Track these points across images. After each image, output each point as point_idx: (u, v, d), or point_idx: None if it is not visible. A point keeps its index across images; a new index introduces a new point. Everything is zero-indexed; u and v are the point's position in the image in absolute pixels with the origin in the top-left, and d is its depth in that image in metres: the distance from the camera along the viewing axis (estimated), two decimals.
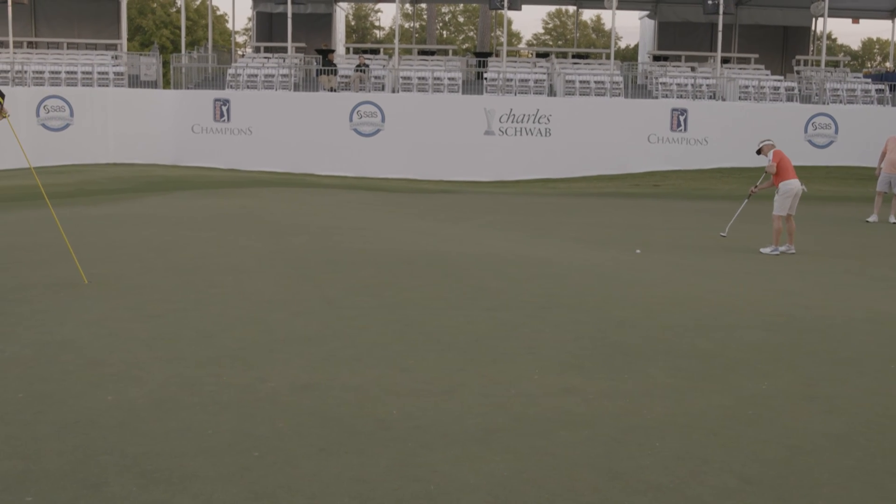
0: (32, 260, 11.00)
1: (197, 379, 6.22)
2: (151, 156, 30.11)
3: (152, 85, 32.23)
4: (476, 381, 6.28)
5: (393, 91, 31.18)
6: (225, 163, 29.89)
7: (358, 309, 8.55)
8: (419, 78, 31.32)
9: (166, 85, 34.85)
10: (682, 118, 30.45)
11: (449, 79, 31.47)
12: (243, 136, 30.13)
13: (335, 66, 31.85)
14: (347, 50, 40.19)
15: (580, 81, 31.77)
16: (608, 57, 35.13)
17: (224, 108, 30.16)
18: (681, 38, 39.20)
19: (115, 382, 6.11)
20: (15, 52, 32.73)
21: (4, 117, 9.27)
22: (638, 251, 12.19)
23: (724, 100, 31.70)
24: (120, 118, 30.12)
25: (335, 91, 31.07)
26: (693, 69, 33.97)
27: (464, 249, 12.61)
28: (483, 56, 35.71)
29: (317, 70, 32.15)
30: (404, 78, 31.29)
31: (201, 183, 23.06)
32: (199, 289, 9.38)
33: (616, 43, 37.90)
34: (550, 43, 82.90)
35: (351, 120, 29.87)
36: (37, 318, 7.97)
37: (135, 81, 32.08)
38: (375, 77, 31.66)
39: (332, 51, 34.09)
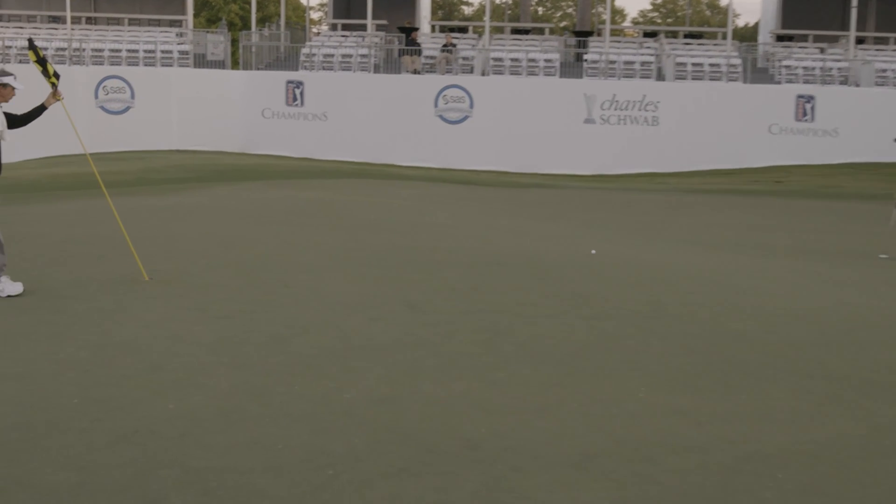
0: (89, 254, 11.27)
1: (266, 388, 6.28)
2: (218, 142, 30.64)
3: (220, 65, 32.80)
4: (574, 399, 6.23)
5: (482, 74, 31.20)
6: (297, 151, 30.28)
7: (443, 314, 8.56)
8: (512, 59, 31.29)
9: (235, 65, 35.44)
10: (808, 106, 29.86)
11: (545, 61, 31.38)
12: (318, 122, 30.48)
13: (419, 45, 32.00)
14: (433, 28, 40.37)
15: (692, 64, 31.38)
16: (724, 37, 34.63)
17: (297, 92, 30.54)
18: (808, 14, 38.43)
19: (178, 389, 6.22)
20: (73, 29, 33.62)
21: (59, 100, 9.53)
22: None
23: (857, 85, 30.99)
24: (185, 101, 30.71)
25: (419, 73, 31.22)
26: (822, 50, 33.29)
27: (560, 250, 12.54)
28: (583, 35, 35.52)
29: (399, 50, 32.35)
30: (495, 59, 31.29)
31: (272, 173, 23.39)
32: (269, 289, 9.50)
33: (733, 21, 37.32)
34: (659, 21, 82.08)
35: (436, 105, 29.99)
36: (94, 318, 8.16)
37: (201, 61, 32.68)
38: (463, 58, 31.72)
39: (416, 29, 34.27)
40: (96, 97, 30.26)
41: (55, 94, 9.55)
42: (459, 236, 13.55)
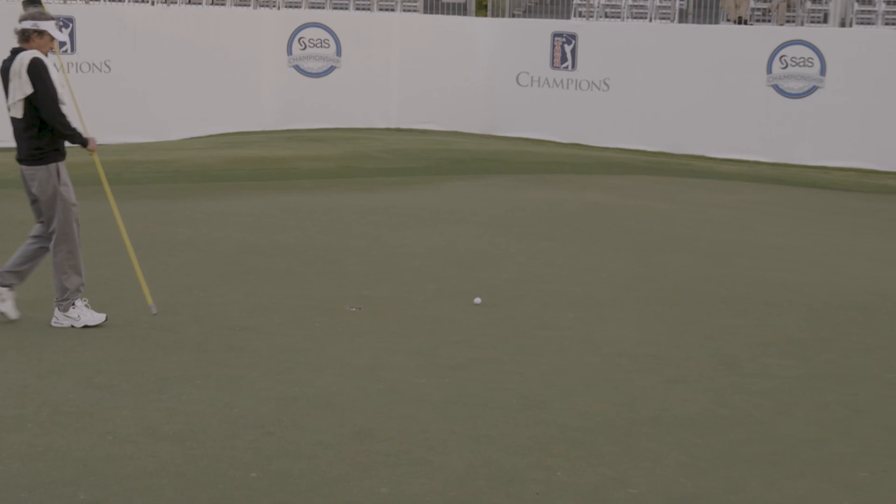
0: (276, 270, 11.68)
1: (516, 471, 6.33)
2: (454, 119, 31.08)
3: (460, 10, 33.33)
4: None
5: (842, 24, 30.55)
6: (565, 133, 30.37)
7: (774, 378, 8.44)
8: (889, 3, 30.48)
9: (480, 10, 35.93)
10: None
11: None
12: (595, 94, 30.53)
13: None
14: None
15: None
16: None
17: (567, 49, 30.71)
18: None
19: (393, 466, 6.34)
20: None
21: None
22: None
23: None
24: (410, 60, 31.27)
25: (745, 23, 30.86)
26: None
27: None
28: None
29: None
30: (863, 3, 30.58)
31: (529, 164, 23.56)
32: (521, 329, 9.61)
33: None
34: None
35: (769, 71, 29.54)
36: (280, 360, 8.44)
37: (433, 4, 33.27)
38: (812, 2, 31.15)
39: None
40: (290, 53, 31.21)
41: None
42: (799, 264, 13.30)
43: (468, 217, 15.80)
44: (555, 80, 30.87)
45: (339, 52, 31.28)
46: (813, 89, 29.32)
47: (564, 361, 8.69)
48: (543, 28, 31.25)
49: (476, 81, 31.23)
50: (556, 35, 30.88)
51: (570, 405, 7.61)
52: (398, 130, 30.58)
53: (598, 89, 30.58)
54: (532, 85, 31.04)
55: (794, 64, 29.35)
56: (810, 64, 29.27)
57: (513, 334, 9.43)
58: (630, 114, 30.07)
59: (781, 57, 29.40)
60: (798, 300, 11.14)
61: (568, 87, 30.79)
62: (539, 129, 30.70)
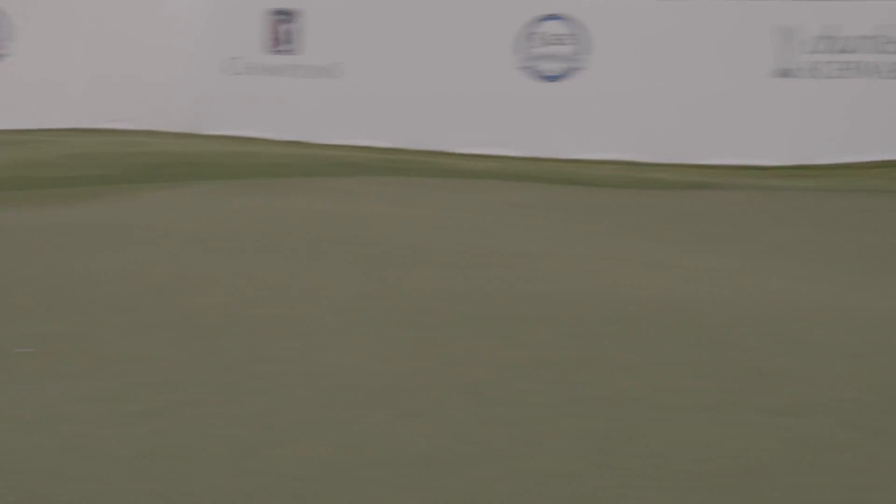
0: None
1: None
2: (151, 116, 30.62)
3: None
4: None
5: None
6: (287, 130, 30.08)
7: (526, 406, 8.56)
8: None
9: None
10: None
11: None
12: (324, 82, 30.33)
13: None
14: None
15: None
16: None
17: (287, 29, 30.52)
18: None
19: None
20: None
21: None
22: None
23: None
24: (94, 43, 30.71)
25: None
26: None
27: (727, 296, 12.49)
28: None
29: None
30: None
31: (240, 167, 23.43)
32: (234, 364, 9.62)
33: None
34: None
35: (520, 50, 29.90)
36: None
37: None
38: None
39: None
40: None
41: None
42: (557, 274, 13.54)
43: (168, 233, 15.77)
44: (274, 66, 30.63)
45: (9, 34, 30.44)
46: (572, 71, 29.70)
47: (282, 399, 8.69)
48: (257, 5, 30.95)
49: (177, 67, 30.80)
50: (275, 12, 30.53)
51: (288, 450, 7.57)
52: (81, 131, 29.91)
53: (328, 76, 30.37)
54: (246, 73, 30.75)
55: (551, 41, 29.71)
56: (571, 41, 29.61)
57: (220, 371, 9.41)
58: (363, 104, 29.95)
59: (540, 32, 29.69)
60: (554, 315, 11.40)
61: (290, 75, 30.55)
62: (254, 125, 30.38)
